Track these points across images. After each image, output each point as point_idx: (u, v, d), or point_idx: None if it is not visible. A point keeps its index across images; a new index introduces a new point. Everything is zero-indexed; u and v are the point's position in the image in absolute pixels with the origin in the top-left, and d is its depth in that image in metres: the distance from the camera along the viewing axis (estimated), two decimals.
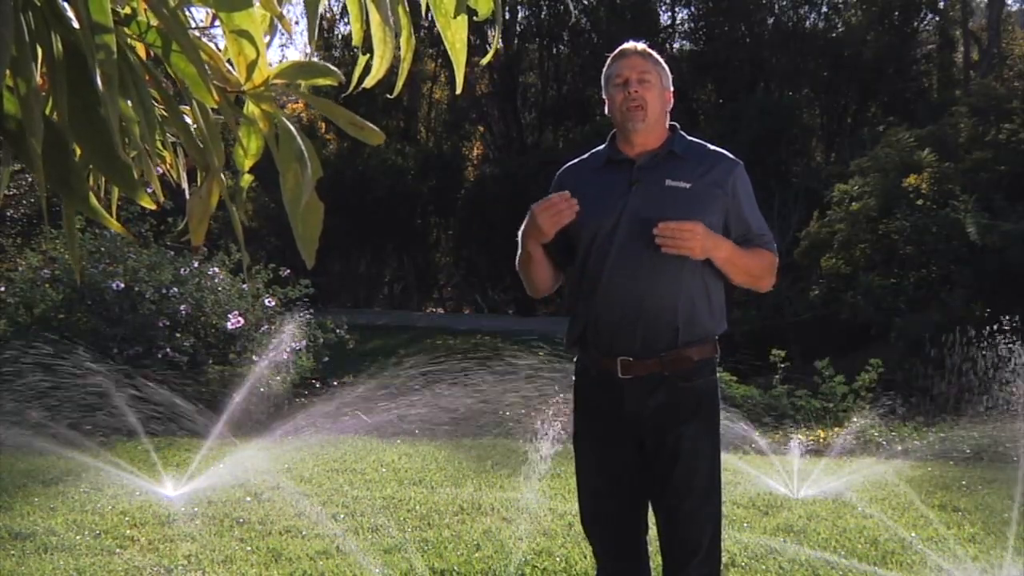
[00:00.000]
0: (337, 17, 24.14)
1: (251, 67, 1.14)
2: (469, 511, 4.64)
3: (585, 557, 3.80)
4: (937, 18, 23.91)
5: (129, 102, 1.07)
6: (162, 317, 7.78)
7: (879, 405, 7.42)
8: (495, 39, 1.56)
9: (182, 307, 7.90)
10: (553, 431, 6.13)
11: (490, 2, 1.25)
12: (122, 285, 7.80)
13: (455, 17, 1.21)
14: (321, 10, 1.15)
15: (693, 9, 24.84)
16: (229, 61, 1.17)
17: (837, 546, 4.12)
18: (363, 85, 1.28)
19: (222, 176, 1.17)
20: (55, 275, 8.08)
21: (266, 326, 8.37)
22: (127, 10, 1.10)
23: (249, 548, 4.01)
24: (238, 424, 6.58)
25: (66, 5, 0.98)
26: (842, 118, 23.16)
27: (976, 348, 7.79)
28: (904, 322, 11.65)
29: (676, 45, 25.15)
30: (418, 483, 5.24)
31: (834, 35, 23.15)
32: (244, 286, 8.53)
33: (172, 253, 8.45)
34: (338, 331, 8.78)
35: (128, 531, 4.21)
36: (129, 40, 1.09)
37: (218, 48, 1.19)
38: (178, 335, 7.74)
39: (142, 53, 1.13)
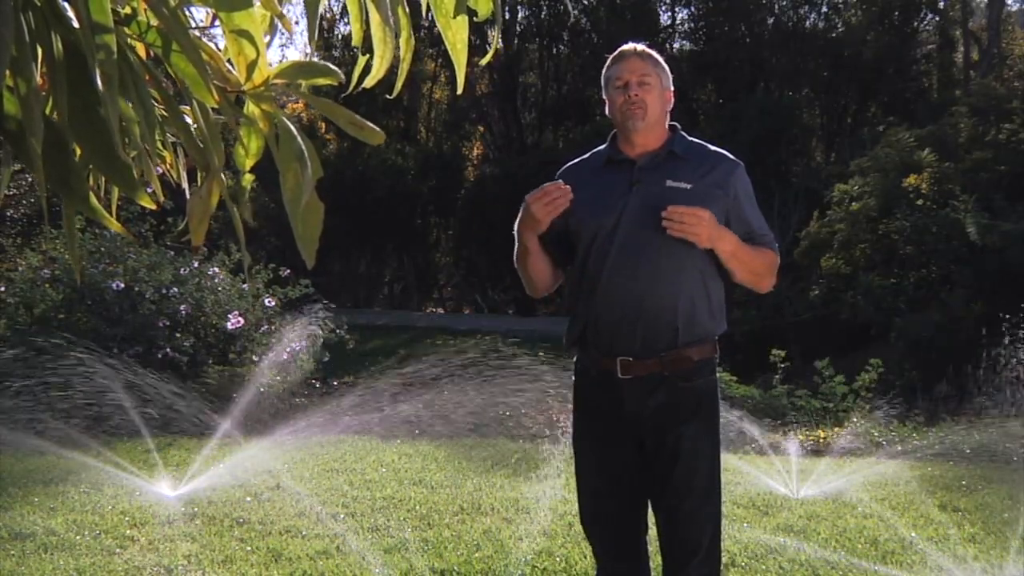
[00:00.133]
0: (337, 17, 24.15)
1: (251, 67, 1.14)
2: (469, 511, 4.64)
3: (585, 557, 3.80)
4: (937, 18, 23.93)
5: (129, 102, 1.07)
6: (162, 317, 7.78)
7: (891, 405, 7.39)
8: (495, 39, 1.56)
9: (182, 307, 7.90)
10: (553, 431, 6.13)
11: (490, 2, 1.25)
12: (122, 285, 7.80)
13: (455, 17, 1.21)
14: (321, 10, 1.15)
15: (693, 9, 24.86)
16: (229, 61, 1.17)
17: (837, 546, 4.12)
18: (363, 85, 1.28)
19: (222, 176, 1.17)
20: (55, 275, 8.08)
21: (266, 326, 8.37)
22: (127, 10, 1.10)
23: (249, 548, 4.01)
24: (238, 424, 6.58)
25: (66, 5, 0.98)
26: (842, 118, 23.18)
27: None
28: (904, 322, 11.65)
29: (676, 45, 25.18)
30: (418, 483, 5.24)
31: (834, 35, 23.17)
32: (244, 286, 8.53)
33: (172, 253, 8.45)
34: (338, 331, 8.78)
35: (128, 531, 4.21)
36: (129, 40, 1.09)
37: (218, 48, 1.19)
38: (178, 335, 7.74)
39: (142, 53, 1.13)
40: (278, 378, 7.59)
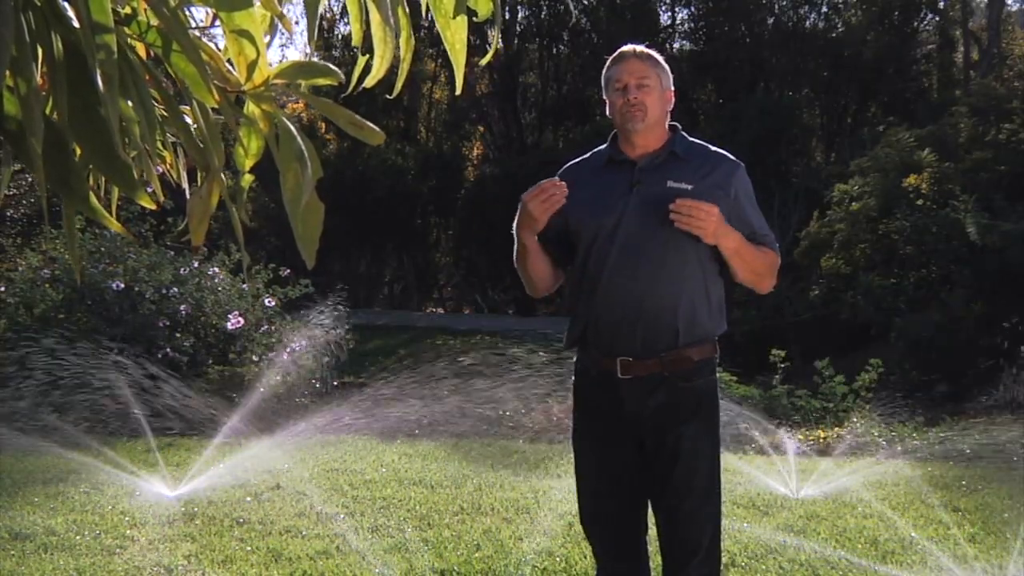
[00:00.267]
0: (337, 17, 24.14)
1: (251, 67, 1.14)
2: (469, 511, 4.64)
3: (585, 557, 3.80)
4: (937, 18, 23.91)
5: (129, 102, 1.07)
6: (162, 317, 7.78)
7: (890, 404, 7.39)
8: (495, 39, 1.56)
9: (182, 307, 7.90)
10: (553, 431, 6.13)
11: (490, 2, 1.25)
12: (122, 285, 7.80)
13: (455, 17, 1.21)
14: (321, 10, 1.15)
15: (693, 9, 24.83)
16: (229, 61, 1.17)
17: (837, 546, 4.12)
18: (363, 85, 1.28)
19: (222, 176, 1.17)
20: (55, 275, 8.08)
21: (266, 326, 8.38)
22: (127, 10, 1.10)
23: (249, 548, 4.01)
24: (239, 424, 6.58)
25: (66, 5, 0.98)
26: (842, 118, 23.16)
27: None
28: (904, 322, 11.64)
29: (676, 45, 25.14)
30: (418, 483, 5.24)
31: (834, 35, 23.15)
32: (244, 286, 8.53)
33: (172, 253, 8.45)
34: (337, 330, 8.78)
35: (128, 531, 4.21)
36: (129, 40, 1.09)
37: (218, 48, 1.19)
38: (178, 335, 7.74)
39: (142, 53, 1.13)
40: (279, 378, 7.60)
